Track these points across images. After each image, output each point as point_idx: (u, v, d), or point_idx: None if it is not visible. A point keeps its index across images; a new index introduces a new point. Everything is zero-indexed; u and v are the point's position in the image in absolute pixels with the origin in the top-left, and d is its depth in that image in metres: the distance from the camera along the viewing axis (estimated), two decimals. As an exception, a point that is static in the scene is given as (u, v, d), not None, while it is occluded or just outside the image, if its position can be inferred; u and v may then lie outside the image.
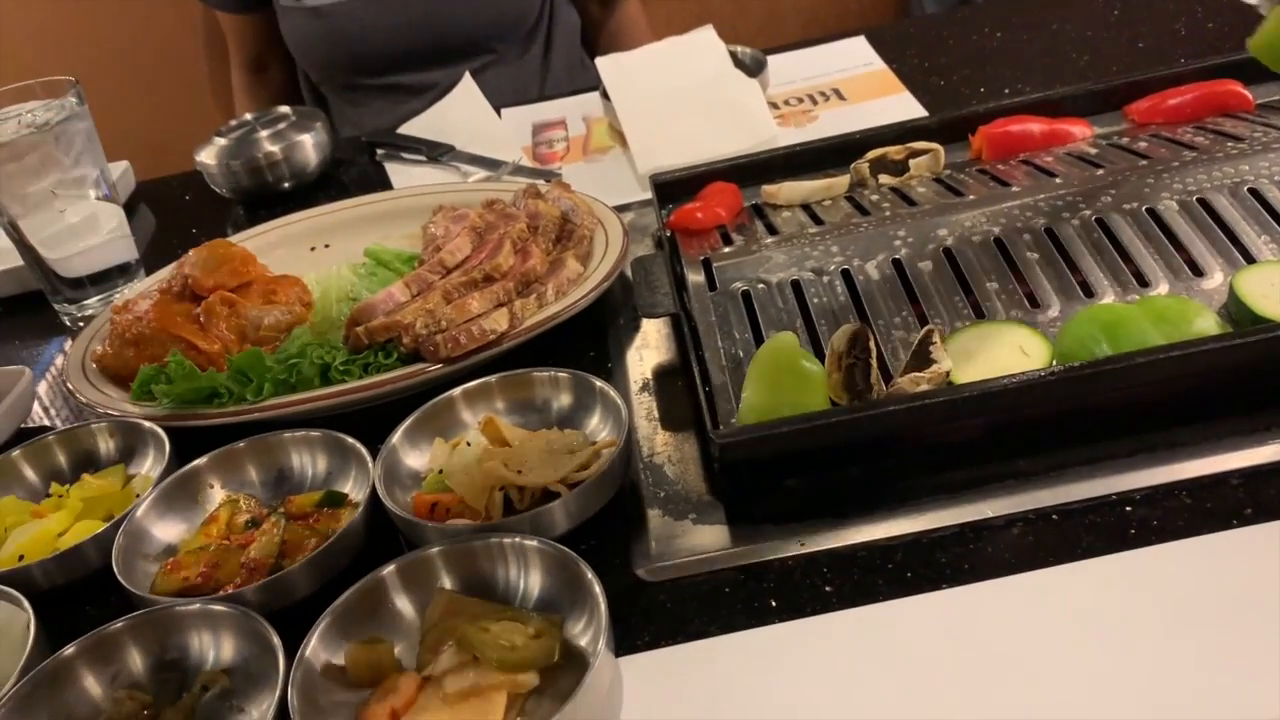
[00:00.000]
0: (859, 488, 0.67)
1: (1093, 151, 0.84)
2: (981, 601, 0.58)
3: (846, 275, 0.78)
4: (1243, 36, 1.10)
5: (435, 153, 1.19)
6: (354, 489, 0.73)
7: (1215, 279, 0.70)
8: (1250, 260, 0.71)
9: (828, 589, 0.61)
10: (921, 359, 0.68)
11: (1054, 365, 0.64)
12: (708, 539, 0.66)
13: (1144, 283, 0.71)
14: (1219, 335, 0.63)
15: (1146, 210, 0.75)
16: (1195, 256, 0.72)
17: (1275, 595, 0.55)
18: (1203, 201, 0.75)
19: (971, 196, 0.81)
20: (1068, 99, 0.91)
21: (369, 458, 0.71)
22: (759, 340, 0.74)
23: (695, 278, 0.82)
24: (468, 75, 1.33)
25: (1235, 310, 0.67)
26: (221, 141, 1.23)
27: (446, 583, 0.62)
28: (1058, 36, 1.18)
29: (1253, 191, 0.75)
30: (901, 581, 0.60)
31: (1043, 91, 0.95)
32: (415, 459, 0.72)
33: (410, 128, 1.28)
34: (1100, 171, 0.80)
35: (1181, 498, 0.61)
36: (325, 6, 1.44)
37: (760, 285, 0.79)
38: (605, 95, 1.17)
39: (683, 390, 0.78)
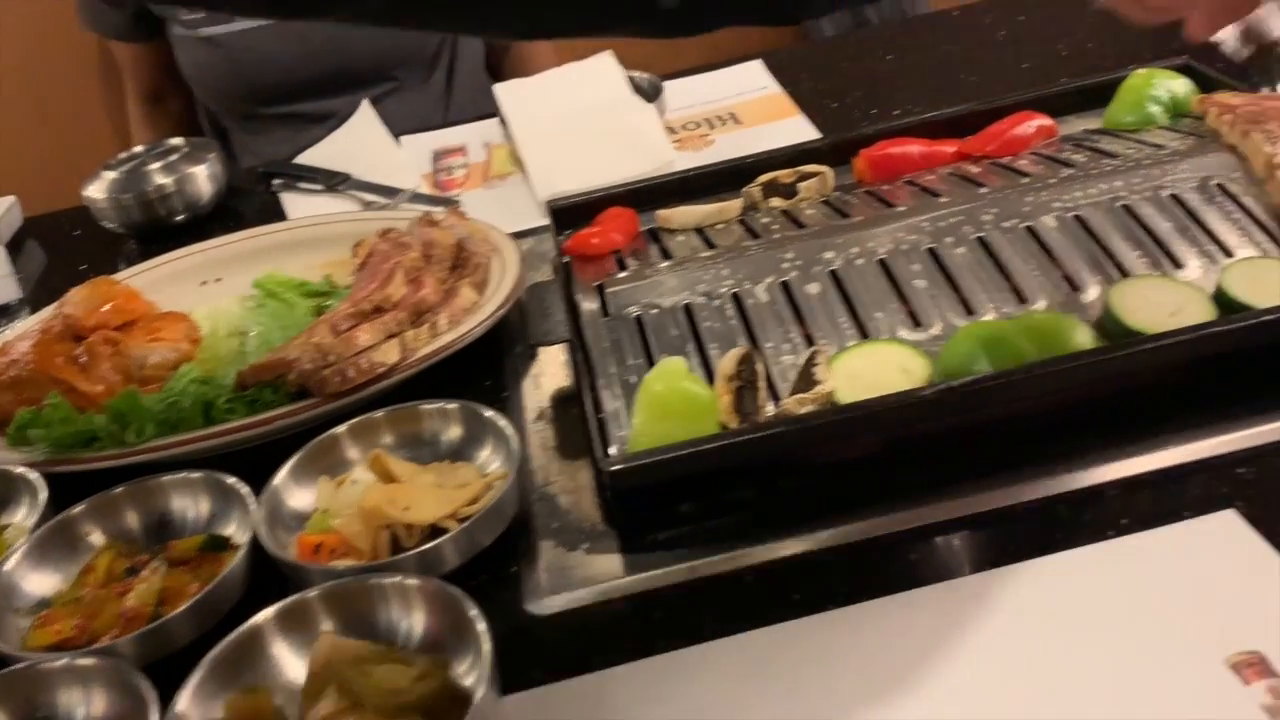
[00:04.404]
0: (750, 510, 0.67)
1: (975, 170, 0.86)
2: (866, 621, 0.58)
3: (737, 298, 0.78)
4: (1119, 55, 1.14)
5: (332, 182, 1.17)
6: (238, 531, 0.71)
7: (1091, 293, 0.72)
8: (1125, 274, 0.73)
9: (716, 615, 0.60)
10: (807, 380, 0.68)
11: (931, 384, 0.65)
12: (600, 569, 0.65)
13: (1023, 299, 0.73)
14: (1090, 350, 0.65)
15: (1025, 228, 0.77)
16: (1072, 272, 0.74)
17: (1151, 603, 0.56)
18: (1079, 218, 0.77)
19: (858, 218, 0.82)
20: (936, 123, 0.93)
21: (252, 499, 0.69)
22: (652, 365, 0.74)
23: (589, 304, 0.82)
24: (365, 103, 1.32)
25: (1110, 324, 0.69)
26: (110, 175, 1.19)
27: (328, 626, 0.60)
28: (947, 58, 1.20)
29: (1126, 208, 0.77)
30: (788, 604, 0.60)
31: (932, 112, 0.97)
32: (300, 499, 0.71)
33: (307, 157, 1.26)
34: (982, 190, 0.82)
35: (1060, 511, 0.62)
36: (221, 36, 1.42)
37: (653, 310, 0.79)
38: (504, 121, 1.16)
39: (578, 418, 0.78)
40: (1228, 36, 0.84)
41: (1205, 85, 0.91)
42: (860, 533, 0.63)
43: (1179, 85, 0.91)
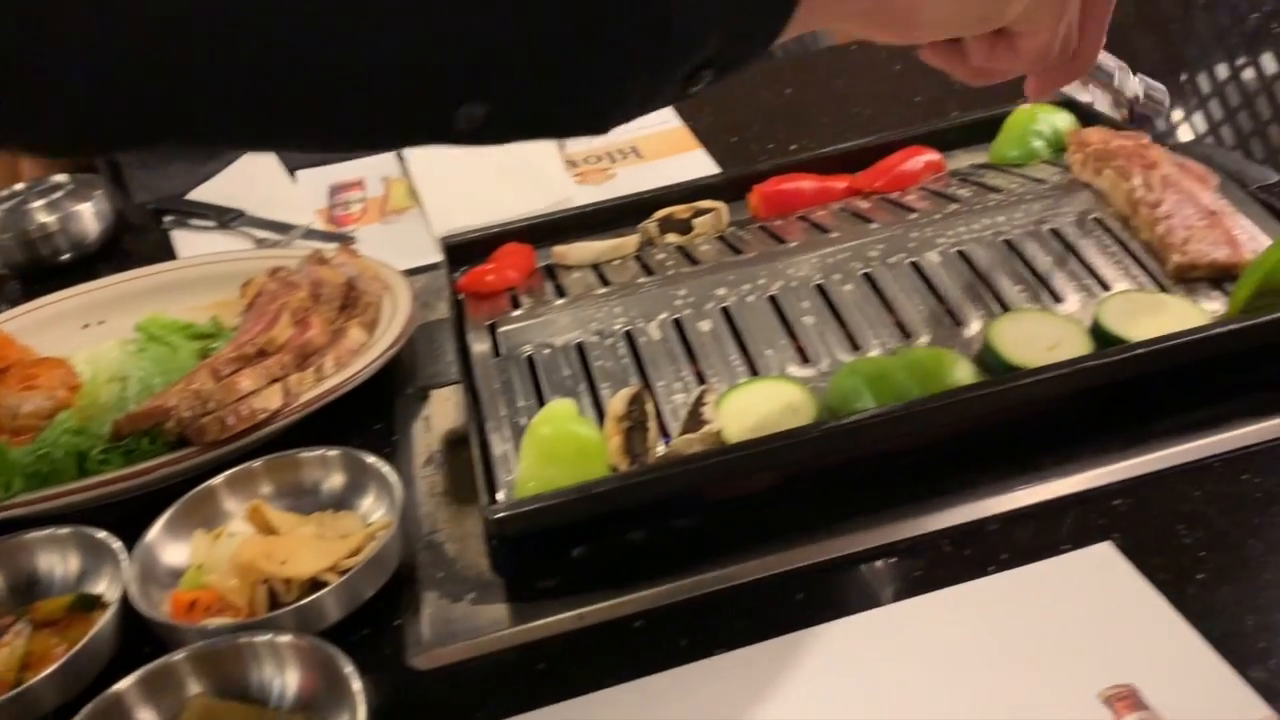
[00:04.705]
0: (640, 554, 0.66)
1: (864, 205, 0.87)
2: (751, 665, 0.58)
3: (630, 336, 0.77)
4: (1009, 89, 1.17)
5: (224, 219, 1.15)
6: (109, 589, 0.68)
7: (973, 328, 0.73)
8: (1006, 308, 0.74)
9: (604, 663, 0.59)
10: (695, 420, 0.68)
11: (815, 422, 0.65)
12: (487, 619, 0.64)
13: (907, 334, 0.73)
14: (968, 386, 0.65)
15: (911, 263, 0.78)
16: (954, 307, 0.75)
17: (1029, 638, 0.57)
18: (962, 253, 0.78)
19: (751, 254, 0.83)
20: (829, 158, 0.94)
21: (125, 554, 0.67)
22: (544, 406, 0.73)
23: (481, 344, 0.80)
24: (261, 137, 1.29)
25: (990, 358, 0.70)
26: (-10, 213, 1.15)
27: (198, 689, 0.58)
28: (843, 93, 1.22)
29: (1008, 243, 0.79)
30: (676, 650, 0.59)
31: (827, 147, 0.98)
32: (176, 554, 0.68)
33: (201, 193, 1.23)
34: (871, 225, 0.83)
35: (943, 546, 0.63)
36: (111, 68, 1.37)
37: (546, 350, 0.78)
38: (401, 156, 1.15)
39: (469, 463, 0.76)
40: (1102, 102, 0.87)
41: (1086, 119, 0.94)
42: (745, 574, 0.63)
43: (1060, 120, 0.93)
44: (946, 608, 0.59)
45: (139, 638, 0.64)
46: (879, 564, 0.63)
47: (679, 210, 0.91)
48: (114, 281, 1.03)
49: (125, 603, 0.64)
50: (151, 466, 0.74)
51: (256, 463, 0.71)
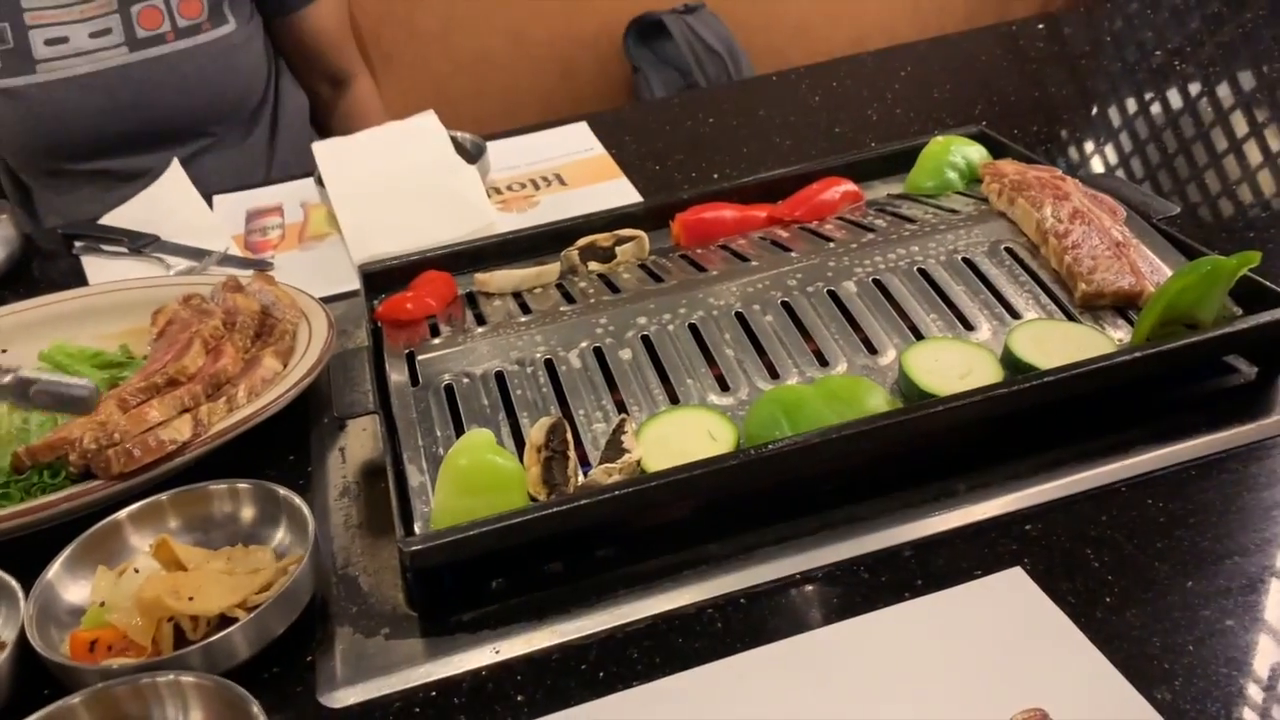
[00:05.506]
0: (557, 585, 0.65)
1: (784, 235, 0.88)
2: (670, 695, 0.58)
3: (549, 365, 0.77)
4: (924, 121, 1.20)
5: (138, 244, 1.12)
6: (6, 629, 0.65)
7: (889, 356, 0.74)
8: (920, 337, 0.75)
9: (519, 698, 0.59)
10: (615, 449, 0.68)
11: (733, 451, 0.66)
12: (400, 655, 0.62)
13: (824, 362, 0.74)
14: (882, 414, 0.66)
15: (828, 292, 0.79)
16: (870, 336, 0.76)
17: (943, 664, 0.57)
18: (878, 282, 0.79)
19: (673, 282, 0.83)
20: (750, 188, 0.96)
21: (21, 594, 0.64)
22: (461, 436, 0.72)
23: (398, 373, 0.79)
24: (175, 162, 1.26)
25: (905, 386, 0.71)
26: (-113, 239, 1.11)
27: (95, 734, 0.56)
28: (764, 123, 1.24)
29: (922, 272, 0.80)
30: (593, 683, 0.59)
31: (748, 176, 0.99)
32: (78, 592, 0.66)
33: (113, 217, 1.19)
34: (790, 254, 0.84)
35: (860, 573, 0.63)
36: (19, 88, 1.34)
37: (465, 379, 0.77)
38: (320, 181, 1.13)
39: (385, 494, 0.75)
40: None
41: (998, 151, 0.96)
42: (663, 604, 0.63)
43: (974, 151, 0.95)
44: (864, 634, 0.60)
45: (38, 680, 0.62)
46: (798, 591, 0.63)
47: (601, 238, 0.91)
48: (19, 309, 0.99)
49: (23, 643, 0.62)
50: (53, 501, 0.71)
51: (163, 496, 0.69)
